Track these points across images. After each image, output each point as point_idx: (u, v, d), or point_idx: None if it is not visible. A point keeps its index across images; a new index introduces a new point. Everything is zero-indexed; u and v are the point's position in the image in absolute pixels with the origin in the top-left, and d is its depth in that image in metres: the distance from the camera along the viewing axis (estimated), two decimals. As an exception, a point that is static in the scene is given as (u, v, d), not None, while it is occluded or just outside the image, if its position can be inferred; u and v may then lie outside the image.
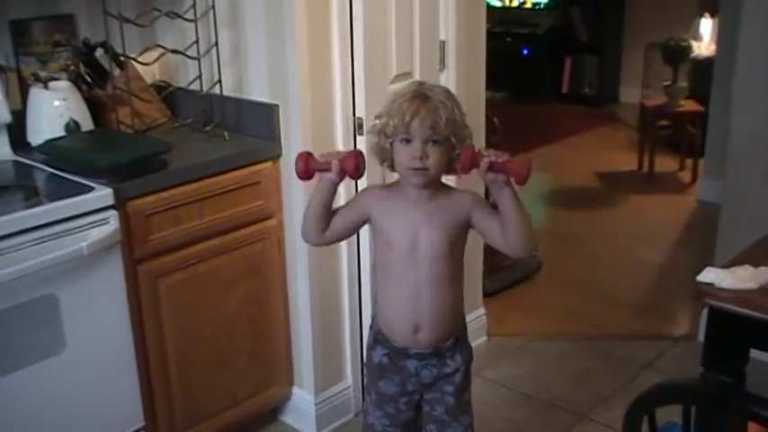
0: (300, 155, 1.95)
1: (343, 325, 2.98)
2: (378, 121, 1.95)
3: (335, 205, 2.04)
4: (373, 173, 2.76)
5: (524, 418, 3.11)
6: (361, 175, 1.96)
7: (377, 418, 2.13)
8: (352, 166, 1.92)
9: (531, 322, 3.86)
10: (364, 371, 2.19)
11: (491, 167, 1.80)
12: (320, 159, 1.95)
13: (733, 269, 2.04)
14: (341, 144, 2.77)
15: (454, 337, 2.04)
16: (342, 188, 2.80)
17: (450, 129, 1.87)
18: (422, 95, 1.88)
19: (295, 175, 2.70)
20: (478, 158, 1.82)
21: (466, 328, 2.12)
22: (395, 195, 2.00)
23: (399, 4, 2.80)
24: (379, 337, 2.08)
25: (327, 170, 1.93)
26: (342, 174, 1.92)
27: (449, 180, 2.07)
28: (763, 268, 2.02)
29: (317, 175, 1.97)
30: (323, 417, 2.98)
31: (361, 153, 1.96)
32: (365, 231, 2.86)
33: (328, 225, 2.01)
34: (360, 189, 2.56)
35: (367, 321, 2.95)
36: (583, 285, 4.23)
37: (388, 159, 1.95)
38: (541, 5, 8.26)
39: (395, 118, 1.88)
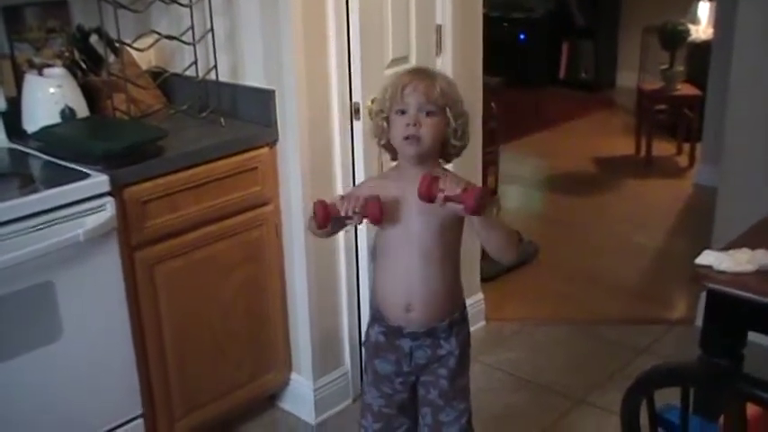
0: (319, 202, 1.94)
1: (341, 310, 2.98)
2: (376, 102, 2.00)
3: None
4: (371, 165, 2.78)
5: (521, 403, 3.11)
6: (383, 221, 1.93)
7: (373, 398, 2.14)
8: (378, 214, 1.90)
9: (528, 307, 3.87)
10: (362, 350, 2.21)
11: (447, 199, 1.81)
12: (337, 204, 1.92)
13: (731, 252, 2.04)
14: (337, 130, 2.76)
15: (449, 319, 2.04)
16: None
17: (445, 100, 1.90)
18: (418, 69, 1.98)
19: (292, 163, 2.73)
20: (434, 191, 1.82)
21: (465, 313, 2.12)
22: (391, 177, 2.04)
23: (395, -11, 2.79)
24: (376, 315, 2.10)
25: (349, 219, 1.92)
26: (361, 220, 1.93)
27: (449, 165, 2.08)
28: (760, 251, 2.02)
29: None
30: (321, 402, 2.98)
31: (379, 199, 1.92)
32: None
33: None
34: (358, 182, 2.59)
35: (365, 306, 2.96)
36: (580, 270, 4.23)
37: (384, 138, 1.97)
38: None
39: (390, 90, 1.92)
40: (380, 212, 1.90)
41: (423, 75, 1.93)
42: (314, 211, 1.93)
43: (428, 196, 1.82)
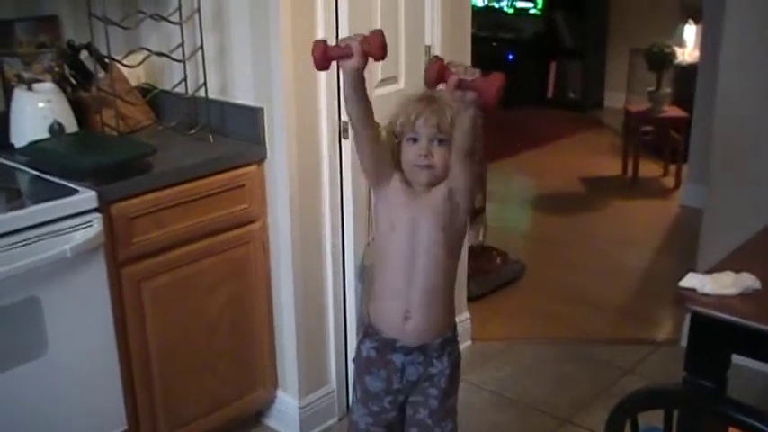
0: (318, 42, 1.82)
1: (328, 328, 2.98)
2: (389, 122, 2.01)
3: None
4: (359, 184, 2.78)
5: (506, 422, 3.11)
6: (385, 56, 1.77)
7: (360, 416, 2.14)
8: (378, 44, 1.74)
9: (514, 326, 3.87)
10: (353, 366, 2.20)
11: (459, 85, 1.74)
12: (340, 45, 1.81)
13: (715, 275, 2.05)
14: (326, 149, 2.77)
15: (442, 337, 2.06)
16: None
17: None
18: (429, 97, 1.96)
19: (280, 181, 2.72)
20: (447, 74, 1.73)
21: (456, 334, 2.13)
22: (404, 182, 2.03)
23: (385, 9, 2.81)
24: (369, 330, 2.10)
25: (348, 56, 1.78)
26: (365, 57, 1.79)
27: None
28: (744, 274, 2.03)
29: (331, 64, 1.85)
30: (307, 420, 2.97)
31: (381, 31, 1.79)
32: (349, 234, 2.87)
33: (371, 113, 1.93)
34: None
35: (352, 325, 2.96)
36: (566, 290, 4.24)
37: (395, 159, 2.00)
38: (527, 11, 8.29)
39: (401, 117, 1.96)
40: (382, 42, 1.75)
41: (434, 105, 1.94)
42: (312, 50, 1.81)
43: (437, 78, 1.71)
